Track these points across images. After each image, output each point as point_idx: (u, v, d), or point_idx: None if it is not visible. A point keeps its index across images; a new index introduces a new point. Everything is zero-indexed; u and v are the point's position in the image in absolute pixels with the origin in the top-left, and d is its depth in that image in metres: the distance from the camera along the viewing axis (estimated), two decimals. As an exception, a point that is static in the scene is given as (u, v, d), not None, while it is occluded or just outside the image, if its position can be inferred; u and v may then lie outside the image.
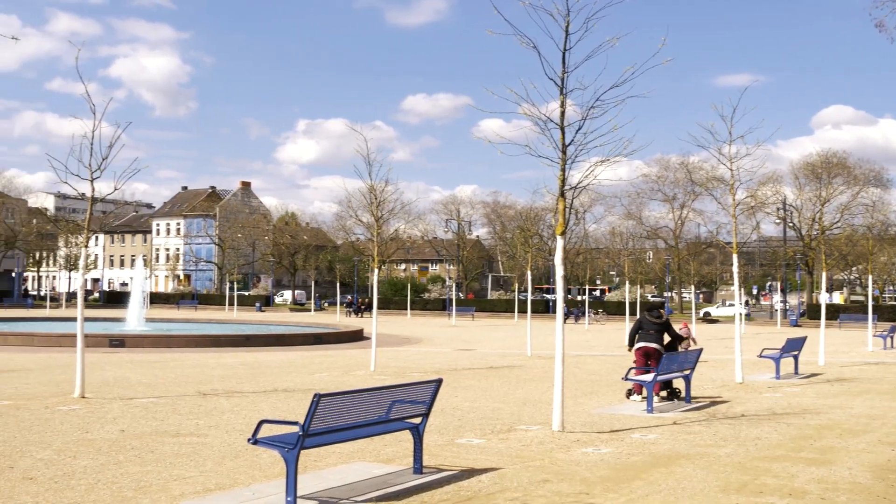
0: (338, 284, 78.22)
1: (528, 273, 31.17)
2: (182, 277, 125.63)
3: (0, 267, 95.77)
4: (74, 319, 21.24)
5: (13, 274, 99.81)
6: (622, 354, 28.53)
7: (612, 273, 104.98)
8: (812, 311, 69.42)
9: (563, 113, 11.70)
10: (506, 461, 9.68)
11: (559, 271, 12.33)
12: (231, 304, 79.66)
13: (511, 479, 8.73)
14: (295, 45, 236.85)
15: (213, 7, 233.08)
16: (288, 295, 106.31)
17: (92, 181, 14.95)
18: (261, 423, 7.84)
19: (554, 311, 73.73)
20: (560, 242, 12.15)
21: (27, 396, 14.92)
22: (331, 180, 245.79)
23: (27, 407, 13.56)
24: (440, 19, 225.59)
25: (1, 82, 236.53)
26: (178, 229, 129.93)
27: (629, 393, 15.87)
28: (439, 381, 9.26)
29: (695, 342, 21.81)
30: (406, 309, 77.29)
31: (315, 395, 7.52)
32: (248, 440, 7.74)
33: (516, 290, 71.65)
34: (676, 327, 17.77)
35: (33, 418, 12.37)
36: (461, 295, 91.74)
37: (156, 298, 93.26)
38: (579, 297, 78.57)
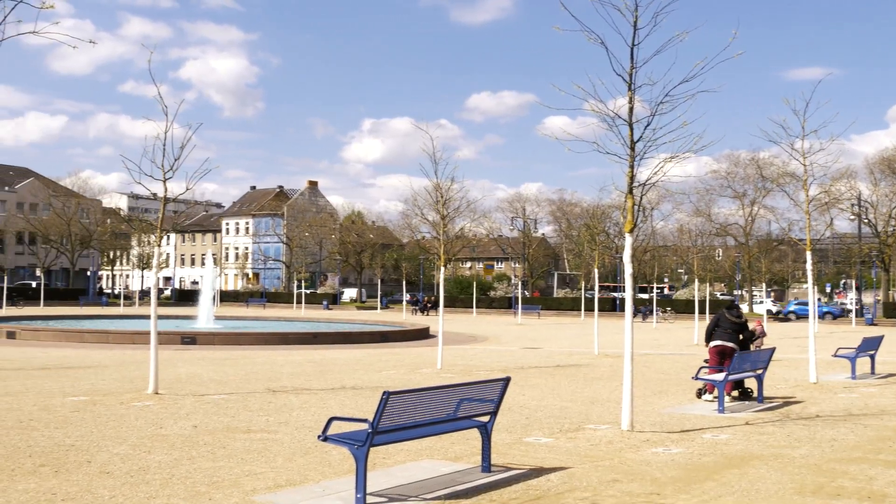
0: (403, 283, 78.59)
1: (595, 271, 30.91)
2: (251, 276, 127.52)
3: (76, 266, 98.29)
4: (147, 317, 21.72)
5: (88, 273, 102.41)
6: (691, 353, 28.14)
7: (680, 271, 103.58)
8: (888, 310, 67.65)
9: (631, 109, 11.57)
10: (575, 460, 9.60)
11: (628, 269, 12.19)
12: (298, 302, 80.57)
13: (580, 478, 8.66)
14: (360, 45, 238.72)
15: (280, 8, 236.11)
16: (351, 293, 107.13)
17: (165, 181, 15.24)
18: (331, 420, 7.90)
19: (621, 310, 73.14)
20: (629, 240, 12.02)
21: (103, 392, 15.27)
22: (396, 179, 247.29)
23: (103, 403, 13.87)
24: (504, 17, 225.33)
25: (76, 86, 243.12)
26: (247, 228, 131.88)
27: (700, 392, 15.63)
28: (507, 380, 9.23)
29: (764, 334, 21.42)
30: (472, 307, 77.31)
31: (384, 393, 7.54)
32: (318, 437, 7.80)
33: (583, 288, 71.10)
34: (750, 325, 17.46)
35: (109, 414, 12.65)
36: (527, 293, 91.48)
37: (225, 296, 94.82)
38: (644, 296, 77.77)
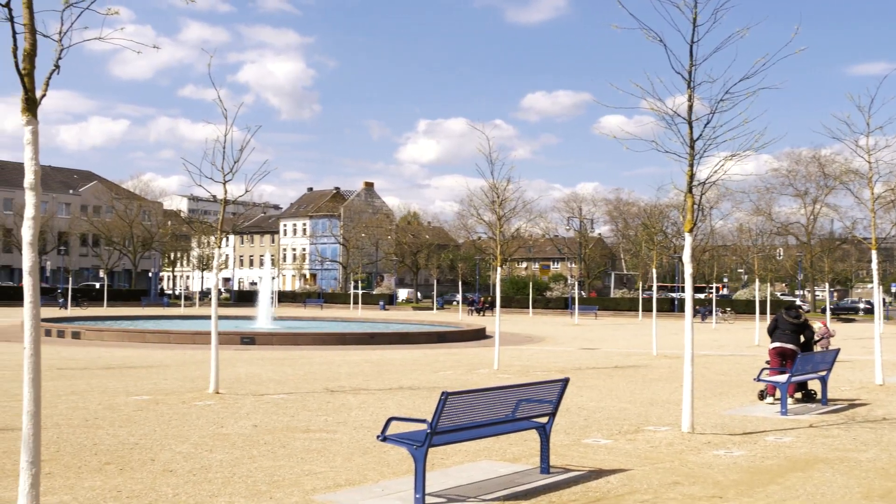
0: (459, 283, 78.66)
1: (654, 271, 30.59)
2: (308, 276, 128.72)
3: (138, 267, 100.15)
4: (207, 318, 22.01)
5: (150, 274, 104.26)
6: (752, 355, 27.71)
7: (739, 271, 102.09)
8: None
9: (690, 107, 11.43)
10: (634, 462, 9.51)
11: (688, 269, 12.04)
12: (355, 302, 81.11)
13: (640, 480, 8.57)
14: (415, 46, 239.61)
15: (336, 11, 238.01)
16: (407, 293, 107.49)
17: (224, 183, 15.44)
18: (390, 420, 7.92)
19: (679, 310, 72.34)
20: (688, 240, 11.88)
21: (165, 392, 15.52)
22: (451, 179, 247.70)
23: (165, 402, 14.09)
24: (559, 16, 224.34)
25: (137, 90, 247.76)
26: (305, 229, 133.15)
27: (762, 394, 15.37)
28: (566, 381, 9.17)
29: (831, 335, 20.99)
30: (528, 307, 77.10)
31: (443, 394, 7.54)
32: (378, 437, 7.83)
33: (640, 288, 70.51)
34: (815, 326, 17.13)
35: (171, 413, 12.84)
36: (583, 293, 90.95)
37: (283, 297, 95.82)
38: (701, 295, 76.77)
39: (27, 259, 5.70)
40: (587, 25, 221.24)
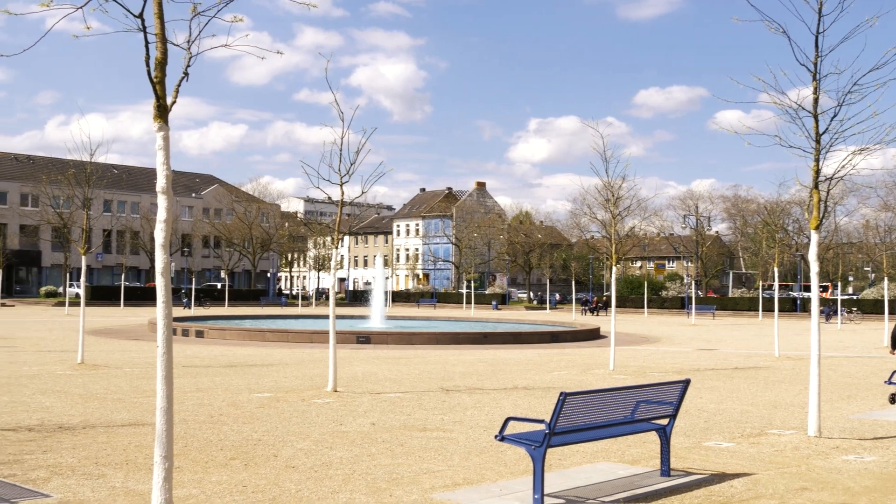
0: (573, 283, 78.03)
1: (776, 270, 29.70)
2: (421, 276, 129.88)
3: (257, 268, 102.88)
4: (323, 317, 22.45)
5: (269, 274, 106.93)
6: (880, 356, 26.61)
7: (866, 269, 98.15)
8: None
9: (816, 100, 11.04)
10: (759, 466, 9.25)
11: (814, 268, 11.65)
12: (468, 302, 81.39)
13: (766, 485, 8.33)
14: (525, 45, 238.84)
15: (446, 13, 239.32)
16: (520, 293, 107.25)
17: (342, 185, 15.71)
18: (507, 420, 7.91)
19: (802, 310, 70.05)
20: (814, 237, 11.49)
21: (285, 389, 15.88)
22: (563, 178, 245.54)
23: (286, 399, 14.43)
24: (673, 10, 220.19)
25: (255, 96, 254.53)
26: (417, 230, 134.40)
27: (893, 398, 14.74)
28: (687, 382, 8.98)
29: None
30: (643, 307, 75.94)
31: (562, 394, 7.48)
32: (496, 437, 7.82)
33: (759, 287, 68.46)
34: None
35: (292, 410, 13.14)
36: (700, 293, 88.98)
37: (397, 297, 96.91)
38: (824, 294, 74.12)
39: (160, 260, 5.90)
40: (702, 19, 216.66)
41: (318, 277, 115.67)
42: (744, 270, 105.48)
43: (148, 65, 5.57)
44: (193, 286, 73.10)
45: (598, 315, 69.89)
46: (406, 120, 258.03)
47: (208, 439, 10.43)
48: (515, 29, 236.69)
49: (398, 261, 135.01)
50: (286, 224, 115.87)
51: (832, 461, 9.60)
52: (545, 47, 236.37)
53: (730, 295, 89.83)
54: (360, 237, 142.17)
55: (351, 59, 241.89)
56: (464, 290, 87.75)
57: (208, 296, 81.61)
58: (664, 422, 8.83)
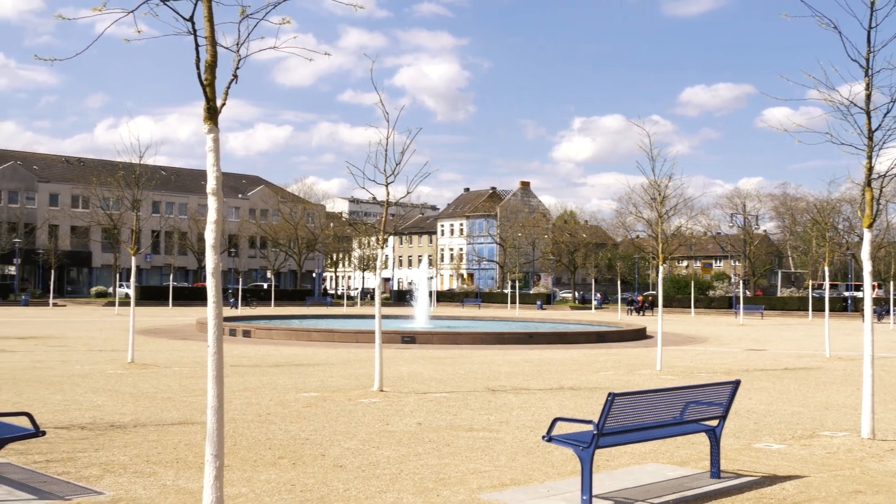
0: (618, 282, 77.51)
1: (826, 269, 29.24)
2: (465, 276, 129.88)
3: (303, 268, 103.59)
4: (368, 317, 22.52)
5: (314, 274, 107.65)
6: (935, 357, 26.09)
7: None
8: None
9: (868, 96, 10.85)
10: (810, 469, 9.11)
11: (867, 267, 11.44)
12: (512, 302, 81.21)
13: (818, 488, 8.20)
14: (569, 44, 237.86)
15: (489, 12, 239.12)
16: (562, 293, 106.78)
17: (387, 185, 15.75)
18: (555, 420, 7.87)
19: (853, 310, 68.86)
20: (867, 236, 11.29)
21: (332, 389, 15.96)
22: (608, 177, 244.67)
23: (332, 399, 14.50)
24: (718, 7, 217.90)
25: (300, 97, 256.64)
26: (462, 230, 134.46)
27: (948, 399, 14.43)
28: (737, 383, 8.87)
29: None
30: (689, 307, 75.20)
31: (610, 395, 7.43)
32: (543, 437, 7.79)
33: (809, 286, 67.43)
34: None
35: (339, 409, 13.20)
36: (748, 292, 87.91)
37: (441, 297, 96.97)
38: (875, 293, 72.77)
39: (210, 261, 5.95)
40: (748, 15, 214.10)
41: (363, 277, 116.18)
42: (793, 270, 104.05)
43: (198, 67, 5.63)
44: (240, 286, 73.81)
45: (643, 315, 69.34)
46: (449, 120, 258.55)
47: (257, 438, 10.52)
48: (559, 27, 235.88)
49: (442, 261, 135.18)
50: (331, 224, 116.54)
51: (887, 464, 9.43)
52: (589, 46, 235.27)
53: (778, 295, 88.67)
54: (404, 237, 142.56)
55: (395, 59, 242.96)
56: (508, 290, 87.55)
57: (255, 296, 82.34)
58: (714, 423, 8.73)
